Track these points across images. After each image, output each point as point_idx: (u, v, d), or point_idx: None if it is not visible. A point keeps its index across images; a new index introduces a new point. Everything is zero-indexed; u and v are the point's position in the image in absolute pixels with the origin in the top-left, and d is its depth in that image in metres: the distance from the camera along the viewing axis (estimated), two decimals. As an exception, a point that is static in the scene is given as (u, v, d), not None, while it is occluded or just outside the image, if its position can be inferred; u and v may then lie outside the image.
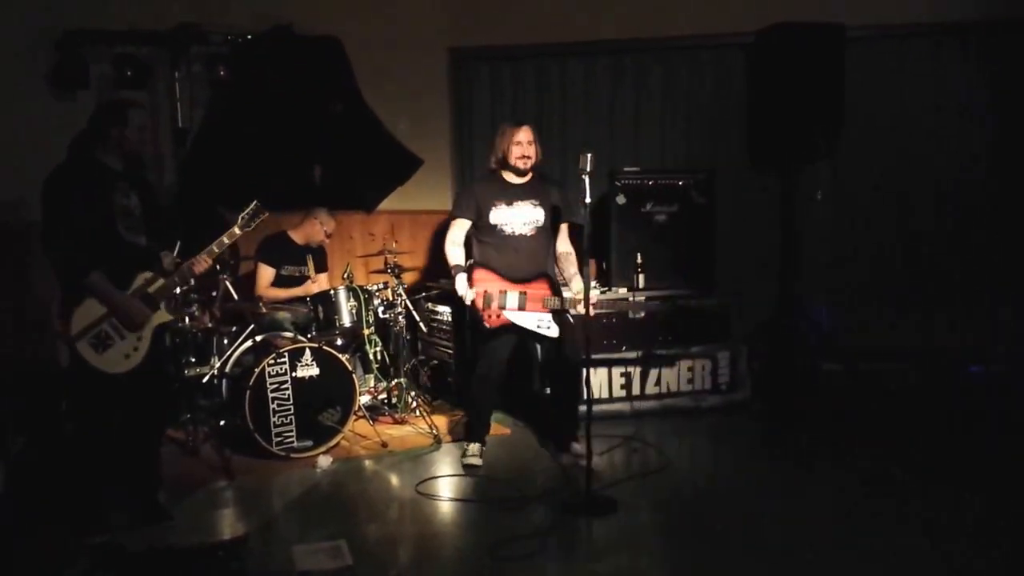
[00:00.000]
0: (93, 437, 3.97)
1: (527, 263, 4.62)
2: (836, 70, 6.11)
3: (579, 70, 6.95)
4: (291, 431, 4.91)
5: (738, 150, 6.55)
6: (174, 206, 6.20)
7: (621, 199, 6.02)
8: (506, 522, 4.02)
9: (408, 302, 5.76)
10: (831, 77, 6.10)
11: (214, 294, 5.32)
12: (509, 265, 4.60)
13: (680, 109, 6.95)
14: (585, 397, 4.37)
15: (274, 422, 4.86)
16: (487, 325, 4.53)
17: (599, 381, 5.62)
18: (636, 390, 5.71)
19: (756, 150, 6.34)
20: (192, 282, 4.35)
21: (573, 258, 4.82)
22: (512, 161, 4.61)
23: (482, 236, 4.69)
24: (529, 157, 4.60)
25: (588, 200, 4.14)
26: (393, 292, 5.72)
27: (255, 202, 4.24)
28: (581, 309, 4.40)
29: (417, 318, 6.03)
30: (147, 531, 3.84)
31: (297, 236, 5.96)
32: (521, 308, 4.53)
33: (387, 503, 4.33)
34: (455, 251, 4.69)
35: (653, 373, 5.73)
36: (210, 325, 5.33)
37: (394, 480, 4.66)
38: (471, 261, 4.73)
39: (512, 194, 4.65)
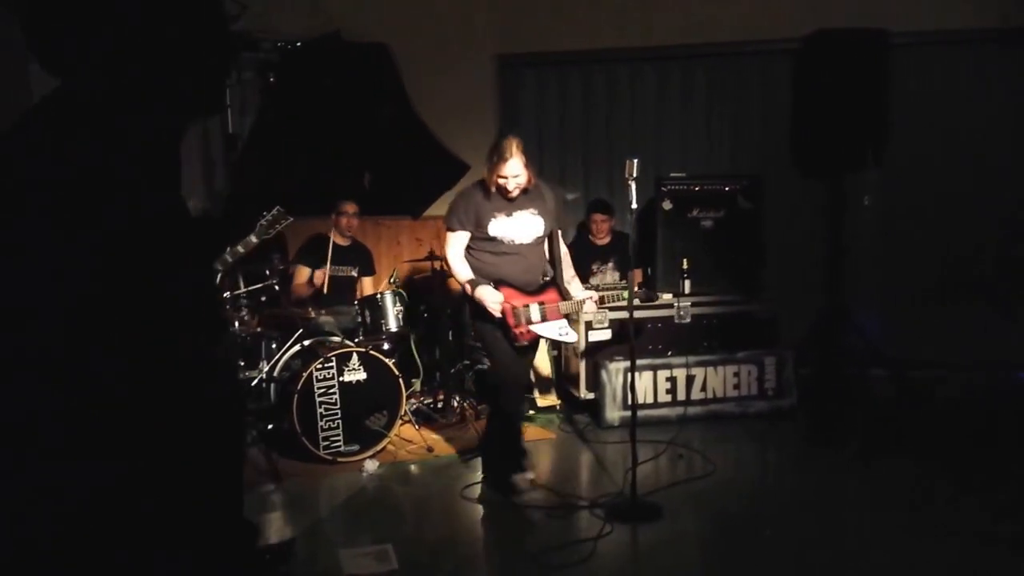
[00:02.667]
0: None
1: (532, 273, 4.48)
2: (881, 76, 6.02)
3: (625, 76, 6.93)
4: (338, 435, 4.96)
5: (784, 156, 6.48)
6: (223, 213, 6.29)
7: (667, 205, 6.00)
8: (551, 528, 4.03)
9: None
10: (876, 83, 6.01)
11: (263, 299, 5.40)
12: (517, 276, 4.44)
13: (726, 115, 6.90)
14: (630, 402, 4.34)
15: (321, 426, 4.91)
16: (521, 342, 4.41)
17: (644, 386, 5.59)
18: (682, 395, 5.67)
19: (802, 157, 6.27)
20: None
21: (569, 261, 4.73)
22: (495, 192, 4.35)
23: (480, 247, 4.45)
24: (519, 186, 4.30)
25: (635, 206, 4.13)
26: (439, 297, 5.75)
27: (276, 207, 4.16)
28: (588, 308, 4.55)
29: (463, 323, 6.06)
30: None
31: (337, 237, 6.00)
32: (544, 319, 4.42)
33: (432, 507, 4.36)
34: (463, 266, 4.43)
35: (699, 378, 5.69)
36: (259, 329, 5.40)
37: (439, 484, 4.68)
38: (474, 279, 4.42)
39: (510, 204, 4.40)
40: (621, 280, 6.19)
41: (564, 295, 4.53)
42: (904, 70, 6.31)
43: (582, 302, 4.55)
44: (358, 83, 6.53)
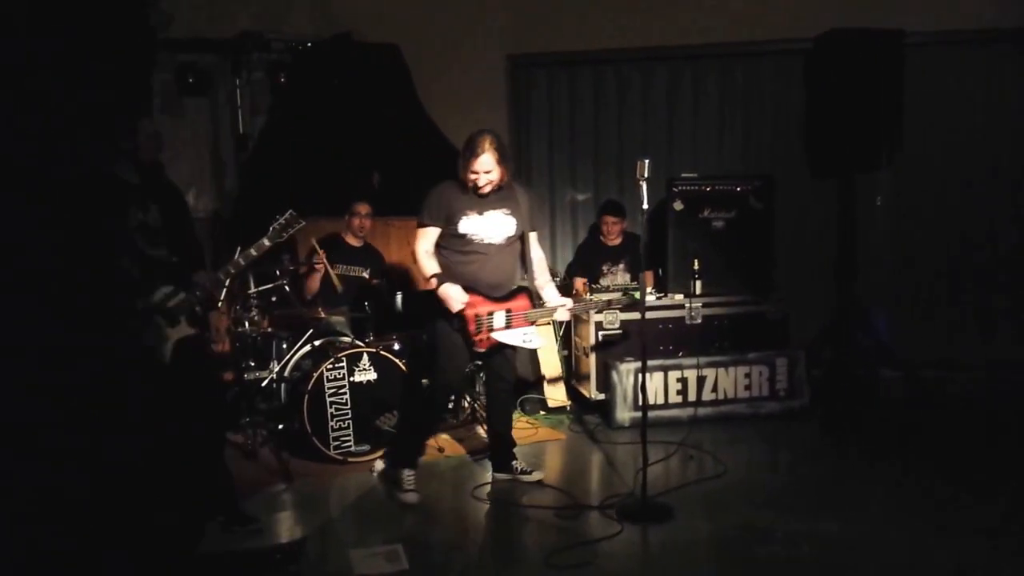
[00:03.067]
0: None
1: (501, 275, 4.41)
2: (895, 76, 5.99)
3: (636, 76, 6.92)
4: (348, 435, 4.95)
5: (797, 156, 6.46)
6: (233, 213, 6.30)
7: (679, 205, 5.98)
8: (561, 529, 4.01)
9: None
10: (890, 83, 5.98)
11: (274, 299, 5.41)
12: (485, 278, 4.36)
13: (738, 115, 6.89)
14: (640, 402, 4.33)
15: (332, 426, 4.91)
16: (479, 349, 4.38)
17: (655, 387, 5.57)
18: (693, 396, 5.65)
19: (815, 157, 6.24)
20: (214, 296, 4.13)
21: (545, 265, 4.66)
22: (468, 187, 4.31)
23: (450, 246, 4.38)
24: (491, 182, 4.27)
25: (646, 207, 4.11)
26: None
27: (289, 211, 4.14)
28: (559, 316, 4.50)
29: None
30: (205, 534, 3.90)
31: (350, 239, 6.00)
32: (508, 326, 4.37)
33: (443, 507, 4.35)
34: (431, 261, 4.35)
35: (710, 379, 5.67)
36: (269, 330, 5.40)
37: (450, 484, 4.68)
38: (440, 274, 4.37)
39: (483, 203, 4.34)
40: (632, 281, 6.17)
41: (534, 301, 4.48)
42: (918, 70, 6.27)
43: (553, 309, 4.49)
44: (368, 84, 6.54)
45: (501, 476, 4.70)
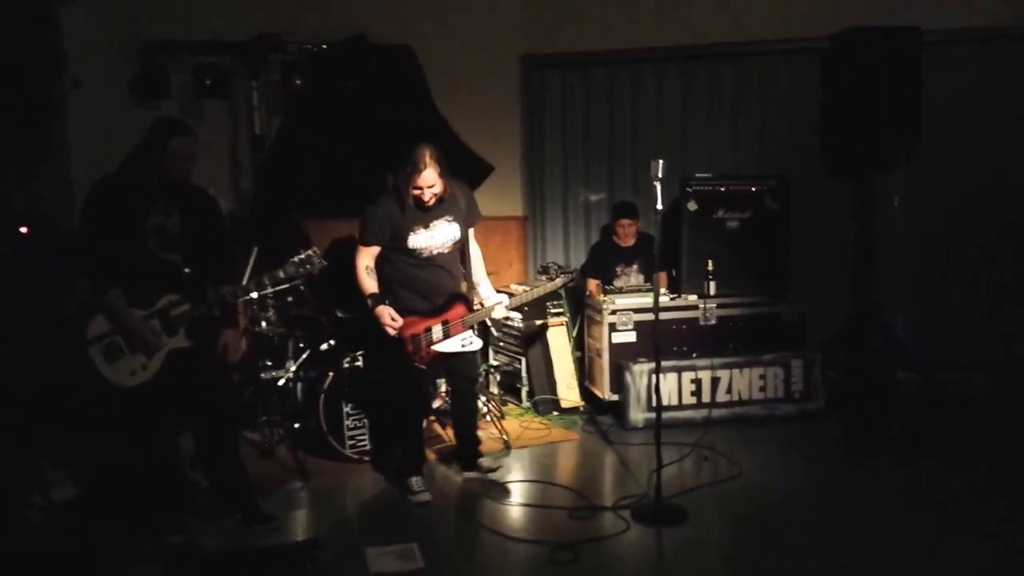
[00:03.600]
0: (123, 449, 4.03)
1: (446, 281, 4.52)
2: (913, 75, 5.96)
3: (651, 76, 6.90)
4: (364, 434, 4.98)
5: (812, 156, 6.42)
6: (249, 218, 6.32)
7: (693, 206, 5.98)
8: (576, 529, 4.02)
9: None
10: (908, 82, 5.93)
11: (290, 299, 5.44)
12: (429, 289, 4.47)
13: (753, 115, 6.85)
14: (654, 403, 4.33)
15: (347, 425, 4.94)
16: (420, 367, 4.47)
17: (669, 388, 5.57)
18: (707, 397, 5.64)
19: (831, 157, 6.19)
20: (219, 311, 3.98)
21: (481, 260, 4.75)
22: (411, 203, 4.37)
23: (400, 259, 4.46)
24: (435, 195, 4.34)
25: (660, 207, 4.12)
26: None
27: (313, 248, 4.09)
28: (497, 314, 4.63)
29: (489, 324, 6.08)
30: (221, 531, 3.94)
31: None
32: (447, 336, 4.46)
33: (458, 507, 4.36)
34: (370, 280, 4.43)
35: (724, 381, 5.66)
36: (285, 330, 5.43)
37: (465, 483, 4.69)
38: (382, 295, 4.44)
39: (427, 216, 4.42)
40: (646, 282, 6.17)
41: (470, 306, 4.56)
42: (936, 69, 6.22)
43: (491, 309, 4.60)
44: (383, 85, 6.56)
45: (470, 475, 4.76)
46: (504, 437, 5.31)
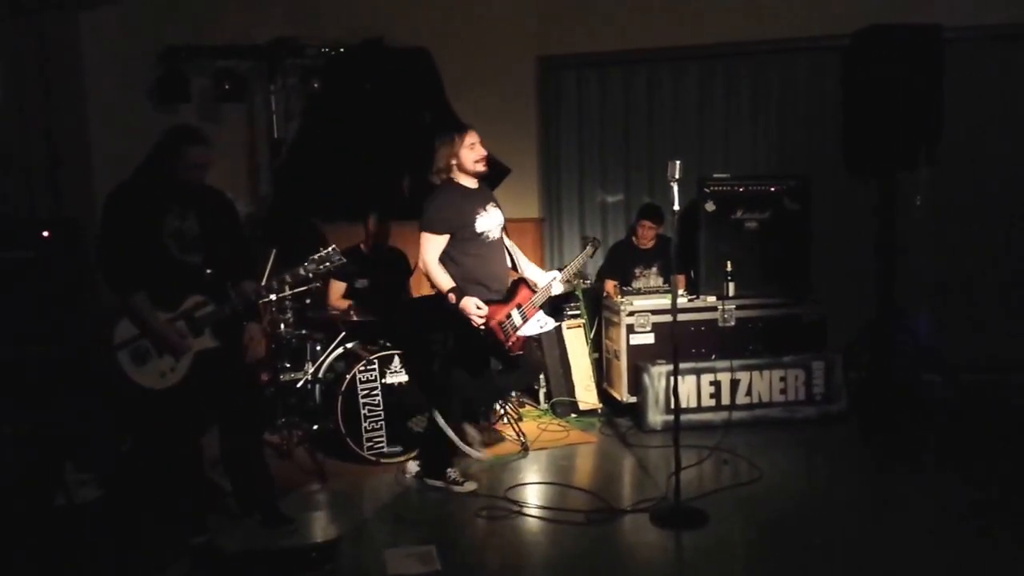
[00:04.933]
0: (149, 451, 4.05)
1: (503, 268, 4.54)
2: (934, 73, 5.90)
3: (667, 76, 6.87)
4: (381, 436, 4.99)
5: (833, 155, 6.38)
6: (267, 221, 6.35)
7: (710, 206, 5.95)
8: (594, 532, 4.01)
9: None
10: (929, 80, 5.89)
11: (308, 301, 5.45)
12: (495, 275, 4.46)
13: (772, 114, 6.81)
14: (673, 406, 4.31)
15: (365, 427, 4.95)
16: (515, 352, 4.45)
17: (687, 390, 5.54)
18: (726, 400, 5.60)
19: (852, 156, 6.15)
20: (243, 308, 3.99)
21: (516, 247, 4.80)
22: (470, 166, 4.39)
23: (464, 249, 4.39)
24: (484, 157, 4.42)
25: (677, 208, 4.10)
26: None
27: (332, 247, 4.10)
28: (555, 290, 4.69)
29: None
30: (242, 533, 3.95)
31: (367, 248, 5.99)
32: (525, 320, 4.47)
33: (475, 509, 4.36)
34: (445, 274, 4.35)
35: (744, 383, 5.62)
36: (303, 332, 5.44)
37: (482, 486, 4.67)
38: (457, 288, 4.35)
39: (484, 199, 4.47)
40: (664, 284, 6.13)
41: (532, 289, 4.60)
42: (958, 66, 6.17)
43: (548, 287, 4.63)
44: (399, 88, 6.57)
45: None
46: (522, 439, 5.30)
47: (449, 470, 4.59)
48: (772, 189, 6.01)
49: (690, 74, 6.87)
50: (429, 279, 4.44)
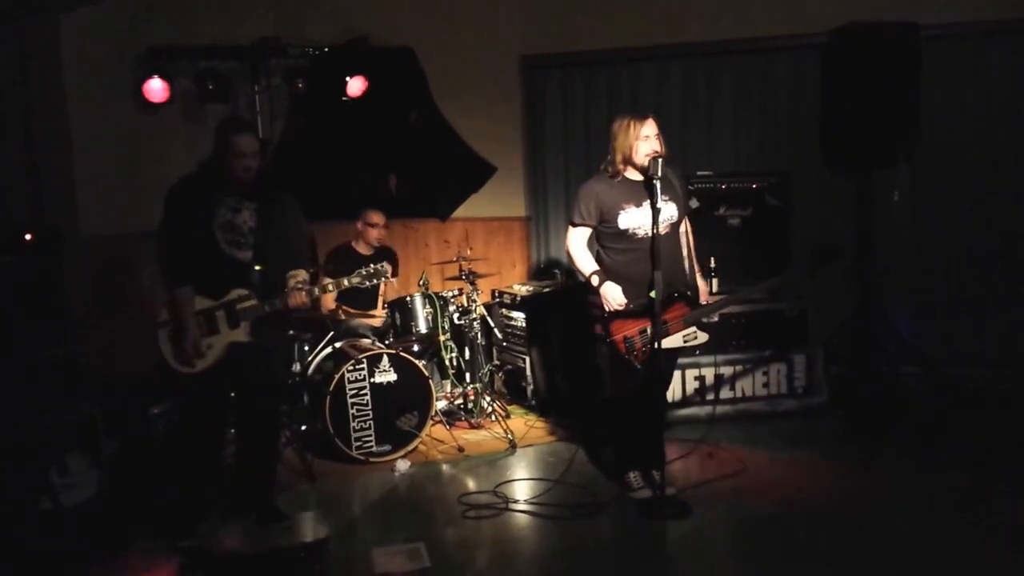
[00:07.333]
0: (181, 434, 4.11)
1: (664, 269, 4.00)
2: (912, 70, 5.97)
3: (651, 74, 6.90)
4: (370, 436, 5.02)
5: (813, 152, 6.44)
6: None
7: (694, 203, 5.96)
8: (581, 527, 4.05)
9: (483, 308, 5.83)
10: (907, 78, 5.95)
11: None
12: (643, 278, 4.04)
13: (753, 111, 6.84)
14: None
15: (353, 427, 4.98)
16: (638, 365, 4.11)
17: (672, 385, 5.58)
18: (710, 394, 5.66)
19: (831, 152, 6.21)
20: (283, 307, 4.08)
21: (692, 252, 4.44)
22: (640, 160, 4.09)
23: (608, 244, 4.21)
24: (659, 151, 4.05)
25: (660, 206, 4.13)
26: (468, 298, 5.79)
27: (383, 263, 4.29)
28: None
29: (492, 324, 6.11)
30: (238, 532, 3.97)
31: (360, 247, 6.03)
32: (666, 335, 4.11)
33: (464, 507, 4.39)
34: (587, 257, 4.20)
35: (727, 377, 5.68)
36: (292, 332, 5.46)
37: (471, 484, 4.72)
38: (599, 271, 4.18)
39: (635, 194, 4.15)
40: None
41: (693, 304, 4.27)
42: (936, 63, 6.23)
43: (711, 306, 4.39)
44: (385, 87, 6.59)
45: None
46: (509, 436, 5.34)
47: (629, 474, 4.41)
48: (754, 186, 6.07)
49: (673, 72, 6.89)
50: (574, 269, 4.33)
